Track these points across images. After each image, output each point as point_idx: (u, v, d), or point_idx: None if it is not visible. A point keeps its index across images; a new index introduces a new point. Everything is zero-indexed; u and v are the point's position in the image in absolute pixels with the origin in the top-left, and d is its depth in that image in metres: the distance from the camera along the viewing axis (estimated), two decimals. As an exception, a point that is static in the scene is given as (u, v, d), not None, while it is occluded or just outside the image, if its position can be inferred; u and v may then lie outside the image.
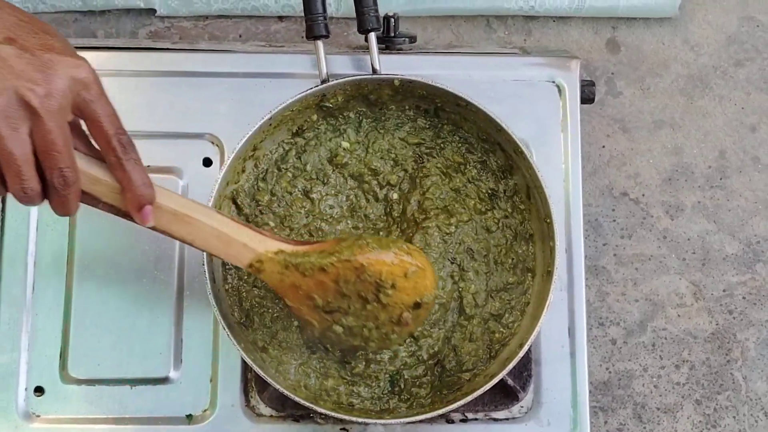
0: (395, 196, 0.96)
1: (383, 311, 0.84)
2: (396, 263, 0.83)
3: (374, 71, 0.93)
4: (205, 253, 0.87)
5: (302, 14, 1.12)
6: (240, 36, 1.15)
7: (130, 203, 0.76)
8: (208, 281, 0.87)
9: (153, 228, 0.79)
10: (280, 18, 1.15)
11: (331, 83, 0.91)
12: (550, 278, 0.88)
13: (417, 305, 0.85)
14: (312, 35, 0.93)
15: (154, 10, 1.13)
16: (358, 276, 0.83)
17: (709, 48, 1.17)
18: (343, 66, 0.98)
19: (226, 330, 0.86)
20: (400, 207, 0.95)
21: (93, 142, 0.74)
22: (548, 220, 0.89)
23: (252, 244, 0.82)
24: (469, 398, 0.86)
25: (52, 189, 0.71)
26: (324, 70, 0.93)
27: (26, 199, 0.71)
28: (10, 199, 0.96)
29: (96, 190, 0.76)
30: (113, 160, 0.73)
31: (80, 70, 0.70)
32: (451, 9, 1.14)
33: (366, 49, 1.00)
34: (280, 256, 0.83)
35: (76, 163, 0.71)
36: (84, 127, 0.74)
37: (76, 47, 0.97)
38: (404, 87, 0.92)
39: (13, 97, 0.67)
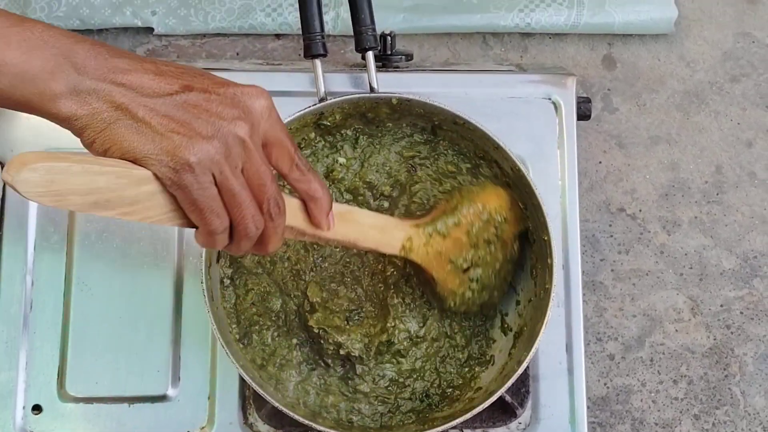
0: (386, 204, 0.97)
1: (501, 249, 0.92)
2: (499, 195, 0.92)
3: (372, 90, 0.94)
4: (202, 271, 0.87)
5: (299, 32, 1.13)
6: (237, 54, 1.15)
7: (318, 212, 0.77)
8: (207, 299, 0.87)
9: (325, 239, 0.81)
10: (278, 36, 1.16)
11: (329, 102, 0.91)
12: (548, 296, 0.89)
13: (521, 234, 0.94)
14: (310, 54, 0.94)
15: (152, 29, 1.13)
16: (480, 218, 0.90)
17: (705, 64, 1.18)
18: (340, 84, 0.98)
19: (225, 348, 0.86)
20: (390, 213, 0.96)
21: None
22: (546, 238, 0.90)
23: (400, 226, 0.88)
24: (467, 415, 0.86)
25: (268, 221, 0.71)
26: (322, 89, 0.94)
27: (251, 240, 0.71)
28: (7, 217, 0.96)
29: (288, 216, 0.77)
30: (297, 175, 0.74)
31: (262, 98, 0.70)
32: (448, 26, 1.14)
33: (363, 67, 1.01)
34: (422, 228, 0.89)
35: (279, 190, 0.72)
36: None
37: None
38: (402, 105, 0.92)
39: (227, 137, 0.67)
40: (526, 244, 0.94)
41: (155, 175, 0.66)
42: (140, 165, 0.66)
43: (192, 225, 0.70)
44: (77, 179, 0.64)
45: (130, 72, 0.67)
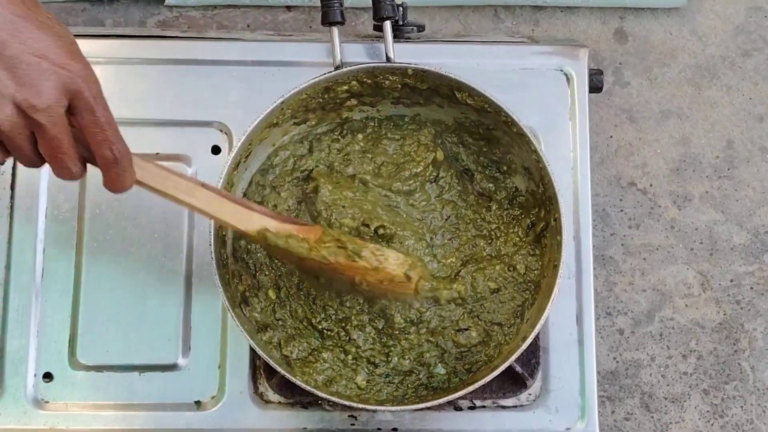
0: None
1: (367, 287, 0.90)
2: (368, 269, 0.87)
3: (388, 59, 0.94)
4: (211, 236, 0.87)
5: (310, 4, 1.13)
6: (248, 26, 1.15)
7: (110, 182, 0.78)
8: (215, 264, 0.87)
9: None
10: (288, 8, 1.16)
11: (345, 69, 0.91)
12: (556, 272, 0.88)
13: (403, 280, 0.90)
14: (327, 21, 0.94)
15: (163, 0, 1.13)
16: (334, 270, 0.88)
17: (717, 38, 1.17)
18: (355, 54, 0.98)
19: (232, 313, 0.86)
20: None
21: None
22: (556, 216, 0.89)
23: (234, 222, 0.85)
24: (477, 384, 0.86)
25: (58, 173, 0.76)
26: (338, 56, 0.93)
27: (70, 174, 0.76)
28: (19, 187, 0.97)
29: None
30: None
31: (72, 80, 0.71)
32: (459, -1, 1.14)
33: (374, 38, 1.01)
34: (263, 234, 0.86)
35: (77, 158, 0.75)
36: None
37: (85, 35, 0.99)
38: (418, 76, 0.92)
39: (13, 109, 0.69)
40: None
41: None
42: None
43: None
44: None
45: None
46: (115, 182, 0.77)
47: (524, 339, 0.87)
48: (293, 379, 0.85)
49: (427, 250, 0.94)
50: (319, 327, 0.93)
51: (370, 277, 0.88)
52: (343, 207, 0.93)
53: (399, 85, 0.93)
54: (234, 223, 0.85)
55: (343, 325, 0.93)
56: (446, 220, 0.96)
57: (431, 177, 0.96)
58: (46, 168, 0.95)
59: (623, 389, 1.09)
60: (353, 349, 0.93)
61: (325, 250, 0.87)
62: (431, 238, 0.95)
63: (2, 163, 0.75)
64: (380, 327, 0.93)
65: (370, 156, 0.97)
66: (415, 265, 0.90)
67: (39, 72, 0.69)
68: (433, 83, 0.92)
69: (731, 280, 1.11)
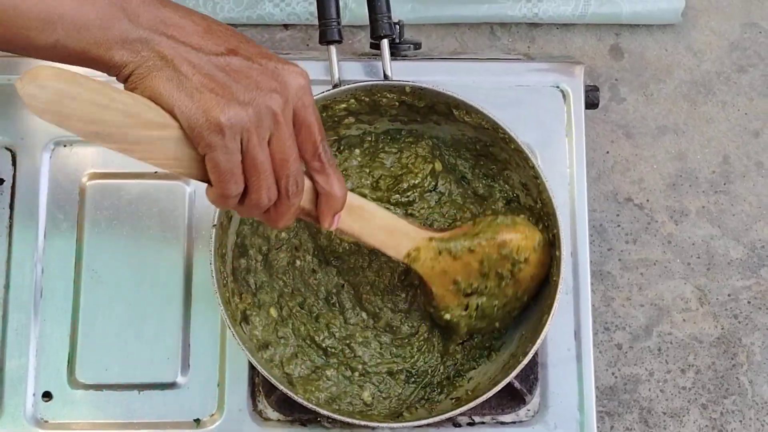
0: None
1: (513, 287, 0.90)
2: (528, 237, 0.89)
3: (386, 77, 0.94)
4: (212, 254, 0.87)
5: (307, 23, 1.14)
6: (245, 44, 1.15)
7: (327, 209, 0.77)
8: (215, 281, 0.87)
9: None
10: (285, 26, 1.16)
11: (343, 88, 0.92)
12: (555, 288, 0.89)
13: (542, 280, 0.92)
14: (325, 40, 0.94)
15: (161, 19, 1.13)
16: (499, 252, 0.88)
17: (712, 54, 1.18)
18: (353, 72, 0.98)
19: (233, 331, 0.86)
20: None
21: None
22: (555, 231, 0.90)
23: (412, 233, 0.87)
24: (477, 401, 0.86)
25: (283, 196, 0.72)
26: (336, 75, 0.94)
27: (260, 209, 0.72)
28: (18, 206, 0.97)
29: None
30: (318, 165, 0.74)
31: (301, 77, 0.71)
32: (455, 17, 1.15)
33: (371, 56, 1.01)
34: (434, 242, 0.88)
35: (302, 170, 0.72)
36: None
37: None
38: (415, 94, 0.92)
39: (261, 107, 0.68)
40: (545, 287, 0.93)
41: (180, 126, 0.67)
42: (167, 112, 0.67)
43: (201, 178, 0.71)
44: (84, 107, 0.65)
45: (181, 26, 0.68)
46: (334, 190, 0.76)
47: (524, 355, 0.87)
48: (295, 397, 0.85)
49: None
50: (323, 345, 0.93)
51: (528, 244, 0.89)
52: None
53: (397, 103, 0.94)
54: (413, 235, 0.87)
55: (348, 342, 0.94)
56: (445, 216, 0.97)
57: (430, 187, 0.97)
58: (45, 185, 0.97)
59: (622, 404, 1.09)
60: (359, 366, 0.93)
61: (490, 229, 0.89)
62: None
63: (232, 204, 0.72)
64: (387, 341, 0.94)
65: (367, 170, 0.97)
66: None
67: (273, 70, 0.69)
68: (430, 101, 0.93)
69: (729, 295, 1.12)
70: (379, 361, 0.94)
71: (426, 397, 0.93)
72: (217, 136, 0.67)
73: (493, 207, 0.97)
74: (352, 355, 0.94)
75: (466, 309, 0.91)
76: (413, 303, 0.96)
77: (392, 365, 0.94)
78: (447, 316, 0.91)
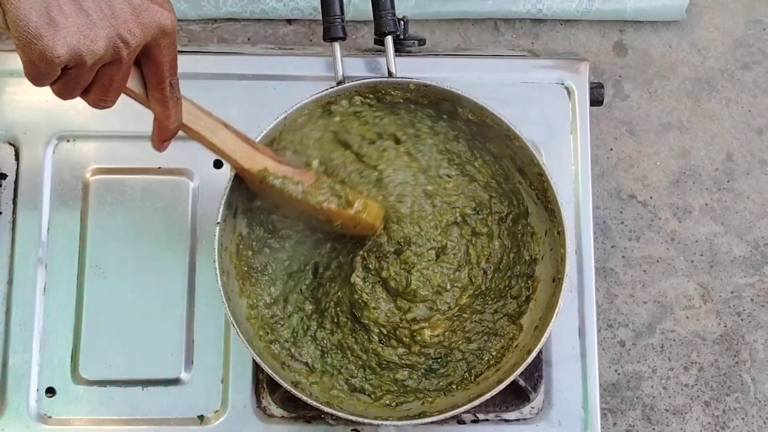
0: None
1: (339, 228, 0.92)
2: (352, 216, 0.91)
3: (390, 74, 0.94)
4: (216, 250, 0.87)
5: (310, 17, 1.13)
6: (249, 39, 1.15)
7: (157, 135, 0.79)
8: (219, 277, 0.87)
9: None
10: (289, 21, 1.16)
11: (347, 84, 0.91)
12: (560, 286, 0.89)
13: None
14: (329, 37, 0.94)
15: (164, 14, 1.13)
16: (320, 213, 0.90)
17: (716, 51, 1.18)
18: (356, 68, 0.98)
19: (236, 328, 0.86)
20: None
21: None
22: (559, 230, 0.90)
23: (241, 161, 0.87)
24: (481, 399, 0.86)
25: (91, 100, 0.73)
26: (340, 72, 0.94)
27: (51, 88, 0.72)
28: (21, 201, 0.96)
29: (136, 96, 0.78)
30: (158, 96, 0.76)
31: (168, 20, 0.71)
32: (459, 12, 1.14)
33: (375, 52, 1.01)
34: (262, 174, 0.88)
35: (117, 96, 0.73)
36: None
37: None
38: (420, 91, 0.92)
39: (107, 44, 0.67)
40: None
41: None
42: (5, 19, 0.66)
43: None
44: None
45: None
46: (168, 122, 0.78)
47: (529, 352, 0.87)
48: (299, 394, 0.85)
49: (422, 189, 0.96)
50: (328, 340, 0.94)
51: (348, 221, 0.91)
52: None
53: (401, 100, 0.94)
54: (241, 162, 0.87)
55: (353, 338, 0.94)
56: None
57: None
58: (48, 180, 0.97)
59: (625, 401, 1.09)
60: (364, 362, 0.93)
61: (321, 195, 0.89)
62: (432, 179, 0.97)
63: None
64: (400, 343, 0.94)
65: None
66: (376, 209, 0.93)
67: (135, 8, 0.69)
68: (434, 97, 0.92)
69: (732, 292, 1.12)
70: (381, 356, 0.94)
71: (428, 396, 0.93)
72: (40, 62, 0.65)
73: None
74: (355, 351, 0.93)
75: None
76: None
77: (395, 364, 0.94)
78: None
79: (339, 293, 0.94)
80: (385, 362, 0.93)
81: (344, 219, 0.91)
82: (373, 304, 0.93)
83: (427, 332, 0.93)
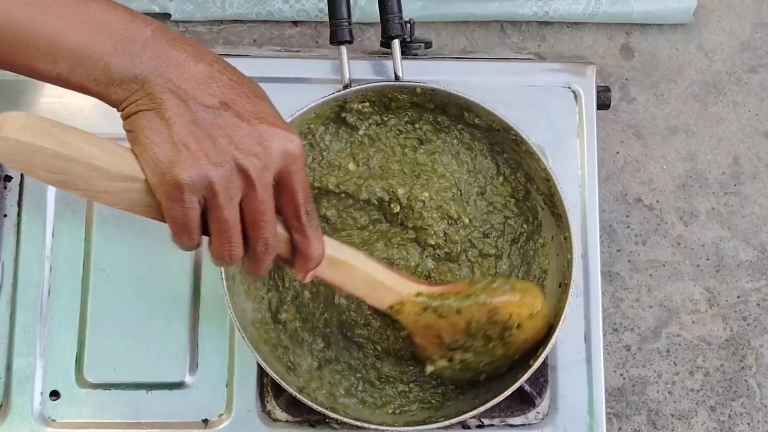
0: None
1: (503, 348, 0.86)
2: (525, 304, 0.85)
3: (397, 78, 0.93)
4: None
5: (317, 19, 1.13)
6: (255, 41, 1.15)
7: (300, 266, 0.76)
8: (224, 281, 0.86)
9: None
10: (295, 23, 1.15)
11: (353, 88, 0.91)
12: (566, 292, 0.88)
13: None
14: (336, 40, 0.93)
15: (169, 15, 1.13)
16: (490, 317, 0.85)
17: (723, 54, 1.17)
18: (362, 71, 0.98)
19: (241, 332, 0.86)
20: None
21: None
22: (566, 235, 0.89)
23: (397, 288, 0.84)
24: (487, 405, 0.85)
25: (252, 254, 0.72)
26: (347, 75, 0.93)
27: (226, 263, 0.72)
28: (26, 203, 0.96)
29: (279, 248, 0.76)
30: (296, 225, 0.73)
31: (293, 145, 0.69)
32: (466, 14, 1.14)
33: (382, 54, 1.01)
34: (420, 298, 0.85)
35: (277, 232, 0.72)
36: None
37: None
38: (427, 95, 0.92)
39: (234, 167, 0.67)
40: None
41: (146, 180, 0.67)
42: (139, 162, 0.67)
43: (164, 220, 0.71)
44: (49, 160, 0.65)
45: (182, 68, 0.67)
46: (309, 251, 0.75)
47: (535, 358, 0.87)
48: (304, 399, 0.85)
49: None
50: (334, 346, 0.93)
51: (524, 312, 0.86)
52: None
53: (407, 104, 0.93)
54: (398, 290, 0.84)
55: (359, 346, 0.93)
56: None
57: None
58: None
59: (630, 406, 1.09)
60: (369, 370, 0.93)
61: (483, 293, 0.85)
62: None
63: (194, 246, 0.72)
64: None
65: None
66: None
67: (262, 133, 0.68)
68: (441, 102, 0.92)
69: (738, 297, 1.11)
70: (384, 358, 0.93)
71: (432, 401, 0.93)
72: (175, 191, 0.66)
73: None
74: (352, 366, 0.93)
75: (450, 361, 0.88)
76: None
77: (395, 378, 0.93)
78: (429, 368, 0.88)
79: (326, 315, 0.93)
80: (384, 377, 0.93)
81: (517, 312, 0.85)
82: (363, 322, 0.93)
83: None
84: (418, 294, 0.85)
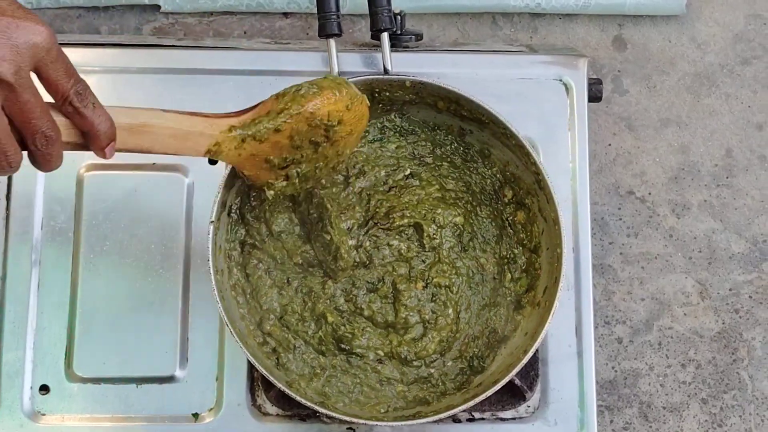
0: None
1: (331, 148, 0.86)
2: (338, 99, 0.84)
3: (386, 71, 0.93)
4: (210, 249, 0.86)
5: (307, 11, 1.12)
6: (245, 32, 1.14)
7: (93, 146, 0.75)
8: (213, 277, 0.86)
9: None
10: (285, 15, 1.15)
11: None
12: (557, 285, 0.88)
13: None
14: (324, 33, 0.93)
15: (159, 6, 1.12)
16: (309, 123, 0.83)
17: (716, 46, 1.17)
18: (352, 64, 0.97)
19: (229, 327, 0.86)
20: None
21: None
22: (556, 229, 0.89)
23: (207, 130, 0.81)
24: (477, 399, 0.85)
25: (35, 151, 0.71)
26: (335, 69, 0.93)
27: (9, 170, 0.71)
28: (14, 197, 0.96)
29: (64, 134, 0.74)
30: (71, 110, 0.72)
31: (40, 37, 0.68)
32: (457, 6, 1.13)
33: (372, 46, 1.00)
34: (234, 132, 0.82)
35: (54, 121, 0.71)
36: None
37: (80, 44, 0.99)
38: (416, 88, 0.91)
39: None
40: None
41: None
42: None
43: None
44: None
45: None
46: (94, 130, 0.74)
47: (525, 352, 0.87)
48: (292, 394, 0.85)
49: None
50: (324, 342, 0.93)
51: (340, 106, 0.84)
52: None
53: (400, 100, 0.93)
54: (209, 132, 0.81)
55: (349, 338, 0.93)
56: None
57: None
58: (41, 176, 0.96)
59: (622, 399, 1.08)
60: (360, 362, 0.92)
61: (294, 103, 0.82)
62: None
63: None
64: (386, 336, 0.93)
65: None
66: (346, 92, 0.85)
67: (3, 31, 0.67)
68: (429, 95, 0.92)
69: (730, 289, 1.11)
70: (378, 357, 0.93)
71: (422, 397, 0.93)
72: None
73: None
74: (350, 372, 0.93)
75: (287, 178, 0.87)
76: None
77: (397, 380, 0.93)
78: (270, 193, 0.87)
79: (319, 333, 0.93)
80: (385, 379, 0.93)
81: (333, 109, 0.83)
82: (360, 333, 0.93)
83: (432, 346, 0.93)
84: (231, 128, 0.82)
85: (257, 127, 0.83)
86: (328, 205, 0.92)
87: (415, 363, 0.92)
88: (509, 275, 0.94)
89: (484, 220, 0.96)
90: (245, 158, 0.84)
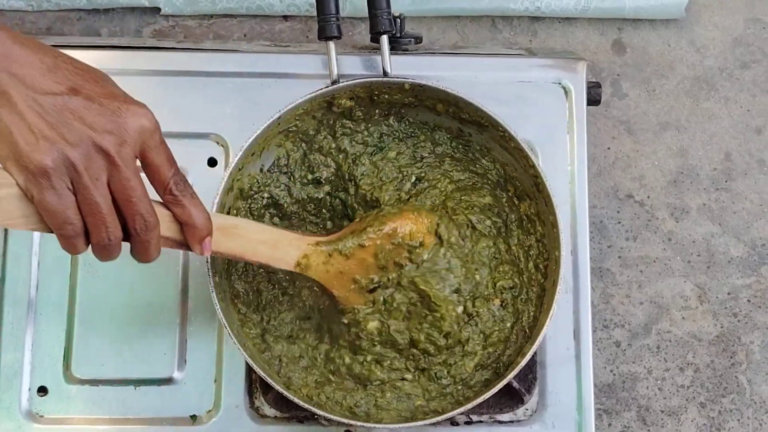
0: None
1: (416, 271, 0.89)
2: (418, 220, 0.88)
3: (385, 74, 0.93)
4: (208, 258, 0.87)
5: (307, 14, 1.13)
6: (245, 35, 1.14)
7: (191, 238, 0.77)
8: (211, 279, 0.86)
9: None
10: (285, 17, 1.15)
11: (341, 84, 0.91)
12: (554, 288, 0.88)
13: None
14: (324, 36, 0.93)
15: (159, 9, 1.12)
16: (391, 242, 0.87)
17: (715, 50, 1.17)
18: (351, 67, 0.97)
19: (228, 329, 0.86)
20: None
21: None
22: (555, 233, 0.89)
23: (295, 242, 0.85)
24: (475, 402, 0.85)
25: (134, 235, 0.72)
26: (335, 71, 0.93)
27: (108, 250, 0.72)
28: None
29: (164, 228, 0.76)
30: (171, 199, 0.74)
31: (146, 119, 0.70)
32: (457, 9, 1.14)
33: (372, 49, 1.00)
34: (322, 246, 0.86)
35: (153, 207, 0.72)
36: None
37: (80, 46, 0.99)
38: (415, 91, 0.91)
39: (91, 147, 0.68)
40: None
41: (17, 183, 0.67)
42: (5, 166, 0.68)
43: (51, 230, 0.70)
44: None
45: (25, 63, 0.68)
46: (192, 220, 0.76)
47: (523, 355, 0.87)
48: (290, 396, 0.85)
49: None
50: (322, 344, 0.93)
51: (420, 227, 0.88)
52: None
53: (399, 103, 0.93)
54: (297, 243, 0.85)
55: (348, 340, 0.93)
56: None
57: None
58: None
59: (620, 402, 1.08)
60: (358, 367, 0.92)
61: (376, 222, 0.87)
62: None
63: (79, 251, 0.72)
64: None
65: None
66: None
67: (114, 111, 0.69)
68: (428, 98, 0.92)
69: (728, 293, 1.11)
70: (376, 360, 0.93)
71: (420, 396, 0.93)
72: (42, 178, 0.67)
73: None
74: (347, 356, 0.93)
75: (373, 304, 0.88)
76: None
77: (391, 371, 0.93)
78: (367, 326, 0.89)
79: (332, 354, 0.92)
80: (405, 395, 0.91)
81: (413, 229, 0.88)
82: (387, 363, 0.92)
83: (471, 363, 0.92)
84: (318, 243, 0.87)
85: (343, 243, 0.87)
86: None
87: (443, 381, 0.92)
88: (532, 264, 0.94)
89: (505, 205, 0.95)
90: (333, 275, 0.87)
